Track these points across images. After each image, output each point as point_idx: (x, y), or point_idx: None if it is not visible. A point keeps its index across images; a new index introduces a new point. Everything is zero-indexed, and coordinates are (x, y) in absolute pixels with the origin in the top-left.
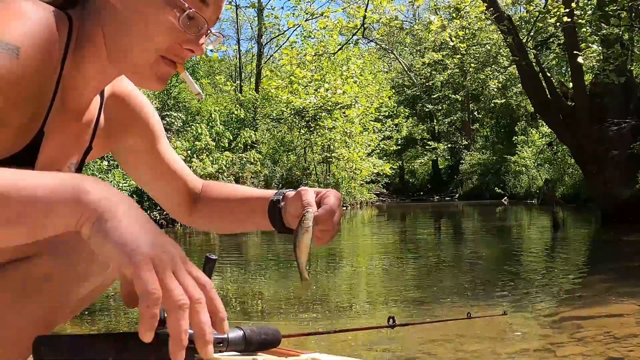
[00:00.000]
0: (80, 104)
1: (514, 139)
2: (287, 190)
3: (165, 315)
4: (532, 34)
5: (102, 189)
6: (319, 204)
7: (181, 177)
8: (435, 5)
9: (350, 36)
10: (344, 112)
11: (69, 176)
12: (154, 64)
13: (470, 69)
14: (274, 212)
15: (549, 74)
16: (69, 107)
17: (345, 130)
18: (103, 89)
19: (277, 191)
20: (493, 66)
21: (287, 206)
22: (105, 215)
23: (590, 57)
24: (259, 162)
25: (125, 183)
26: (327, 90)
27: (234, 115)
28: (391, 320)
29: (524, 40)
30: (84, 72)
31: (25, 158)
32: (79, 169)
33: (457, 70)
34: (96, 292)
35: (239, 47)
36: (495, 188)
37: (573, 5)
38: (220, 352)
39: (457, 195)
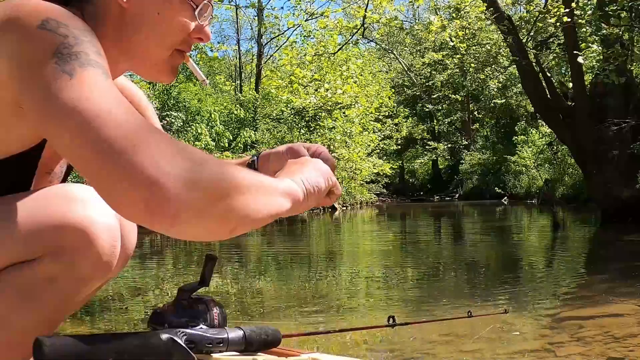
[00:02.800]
0: None
1: (514, 139)
2: (263, 151)
3: (165, 314)
4: (532, 34)
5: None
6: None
7: None
8: (435, 5)
9: (350, 36)
10: (344, 112)
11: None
12: (169, 58)
13: (470, 69)
14: None
15: (549, 74)
16: None
17: (345, 130)
18: None
19: (252, 155)
20: (493, 66)
21: (272, 164)
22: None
23: (590, 57)
24: None
25: None
26: (327, 90)
27: (233, 115)
28: (391, 319)
29: (524, 40)
30: None
31: (33, 155)
32: (70, 167)
33: (457, 70)
34: (91, 295)
35: (239, 47)
36: (495, 188)
37: (573, 5)
38: (220, 352)
39: (457, 195)
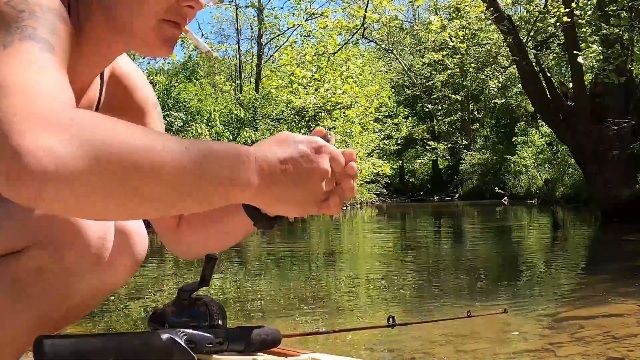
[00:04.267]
0: (77, 86)
1: (513, 139)
2: None
3: (165, 314)
4: (532, 34)
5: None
6: None
7: None
8: (435, 5)
9: (350, 36)
10: (343, 112)
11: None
12: (155, 29)
13: (470, 69)
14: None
15: (549, 74)
16: None
17: (345, 130)
18: (103, 70)
19: None
20: (493, 66)
21: None
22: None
23: (590, 57)
24: None
25: None
26: (327, 90)
27: (233, 115)
28: (391, 319)
29: (524, 40)
30: (80, 50)
31: None
32: None
33: (457, 70)
34: (96, 298)
35: (239, 47)
36: (495, 188)
37: (573, 5)
38: (220, 352)
39: (457, 195)
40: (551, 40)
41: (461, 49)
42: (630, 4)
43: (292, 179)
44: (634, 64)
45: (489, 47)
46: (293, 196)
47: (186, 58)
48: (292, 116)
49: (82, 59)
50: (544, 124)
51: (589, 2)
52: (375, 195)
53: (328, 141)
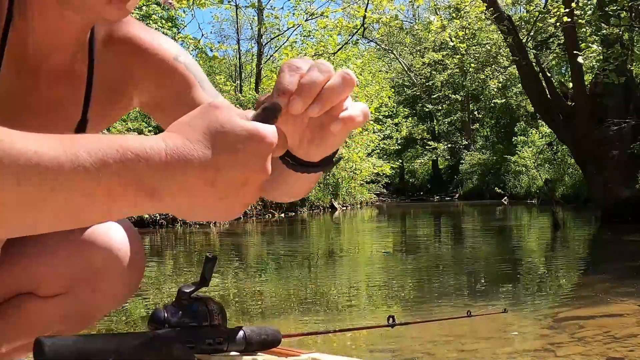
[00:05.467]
0: (49, 65)
1: (513, 139)
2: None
3: (165, 314)
4: (532, 34)
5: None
6: None
7: None
8: (435, 5)
9: (350, 36)
10: None
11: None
12: None
13: (470, 69)
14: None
15: (549, 74)
16: (37, 70)
17: None
18: (90, 43)
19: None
20: (493, 66)
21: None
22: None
23: (590, 57)
24: None
25: None
26: None
27: None
28: (391, 319)
29: (524, 40)
30: (36, 23)
31: None
32: None
33: (457, 70)
34: (79, 324)
35: (239, 47)
36: (495, 188)
37: (573, 5)
38: (220, 352)
39: (457, 195)
40: (551, 40)
41: (461, 49)
42: (630, 4)
43: (217, 194)
44: (634, 64)
45: (489, 47)
46: (217, 207)
47: None
48: None
49: (41, 34)
50: (544, 124)
51: (589, 2)
52: (375, 195)
53: (277, 112)
